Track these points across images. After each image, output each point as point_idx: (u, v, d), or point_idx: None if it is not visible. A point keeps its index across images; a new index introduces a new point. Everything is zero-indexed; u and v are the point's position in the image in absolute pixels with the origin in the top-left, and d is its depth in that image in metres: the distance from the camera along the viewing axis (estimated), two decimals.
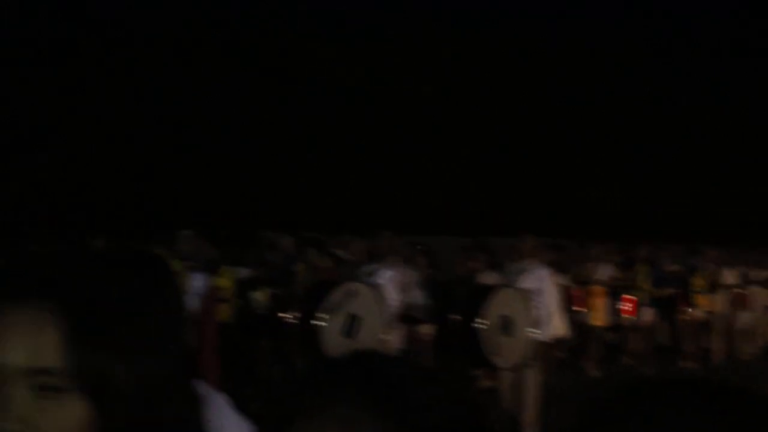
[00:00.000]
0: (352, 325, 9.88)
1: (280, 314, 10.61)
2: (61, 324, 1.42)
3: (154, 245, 10.71)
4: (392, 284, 10.82)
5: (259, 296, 11.31)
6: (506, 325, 9.94)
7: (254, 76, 24.67)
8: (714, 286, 16.86)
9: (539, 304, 10.37)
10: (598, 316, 15.25)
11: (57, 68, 22.31)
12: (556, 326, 10.88)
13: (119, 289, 1.50)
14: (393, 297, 10.66)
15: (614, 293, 15.46)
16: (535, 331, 10.18)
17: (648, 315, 15.84)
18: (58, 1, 23.64)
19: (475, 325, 9.82)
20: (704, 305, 16.66)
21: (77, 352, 1.41)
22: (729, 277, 17.43)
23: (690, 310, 16.40)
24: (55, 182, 21.78)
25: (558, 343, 12.17)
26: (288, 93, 24.67)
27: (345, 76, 25.46)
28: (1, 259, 12.39)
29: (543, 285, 10.56)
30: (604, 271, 15.41)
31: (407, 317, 11.01)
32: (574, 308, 14.33)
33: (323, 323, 9.79)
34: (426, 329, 11.47)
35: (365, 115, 26.24)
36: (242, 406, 2.70)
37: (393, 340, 10.45)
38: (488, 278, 11.30)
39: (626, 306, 15.58)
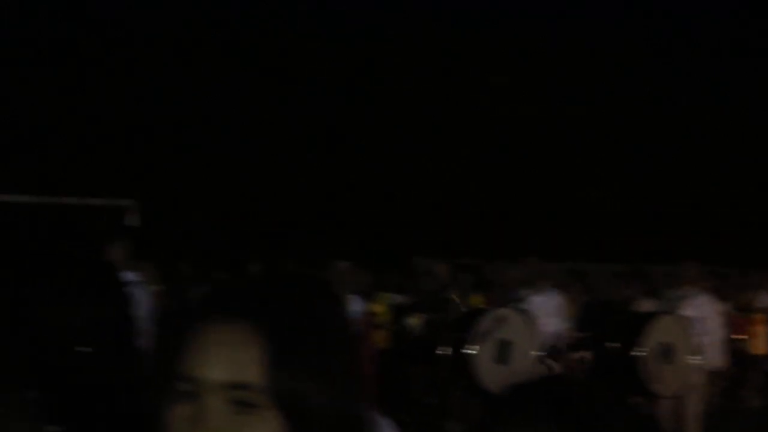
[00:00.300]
0: (503, 351, 9.86)
1: (434, 341, 10.65)
2: (265, 343, 1.48)
3: (312, 271, 10.90)
4: (543, 310, 10.76)
5: (413, 322, 11.36)
6: (666, 353, 9.78)
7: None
8: None
9: (700, 332, 10.18)
10: (758, 344, 14.91)
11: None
12: (717, 354, 10.68)
13: (313, 313, 1.55)
14: (544, 323, 10.60)
15: None
16: (696, 358, 9.99)
17: None
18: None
19: (634, 352, 9.69)
20: None
21: (278, 371, 1.47)
22: None
23: None
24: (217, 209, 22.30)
25: (718, 371, 11.92)
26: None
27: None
28: (204, 280, 12.84)
29: (704, 312, 10.40)
30: (766, 299, 15.05)
31: (560, 343, 10.93)
32: (735, 336, 13.98)
33: (474, 351, 9.80)
34: (580, 356, 11.35)
35: (524, 142, 26.08)
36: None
37: (547, 365, 10.38)
38: (645, 305, 11.15)
39: None
